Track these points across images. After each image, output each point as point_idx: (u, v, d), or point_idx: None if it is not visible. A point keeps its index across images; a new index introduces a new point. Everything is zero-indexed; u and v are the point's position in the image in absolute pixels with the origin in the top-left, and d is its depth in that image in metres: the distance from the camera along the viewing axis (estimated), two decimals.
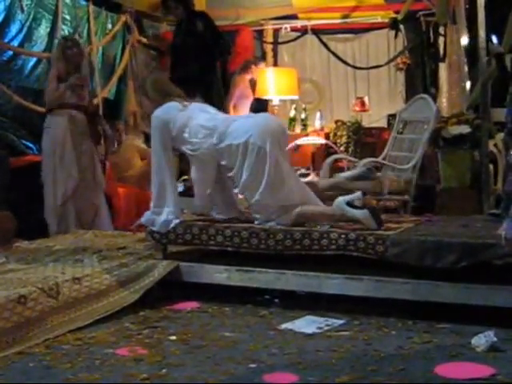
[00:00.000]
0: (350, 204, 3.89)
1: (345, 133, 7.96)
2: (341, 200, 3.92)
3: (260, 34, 9.41)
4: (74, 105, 5.84)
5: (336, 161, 5.96)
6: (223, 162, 4.11)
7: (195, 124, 4.12)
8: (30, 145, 6.37)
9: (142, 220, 4.23)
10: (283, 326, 3.46)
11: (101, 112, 7.73)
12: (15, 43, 6.97)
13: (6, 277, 3.69)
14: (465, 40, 7.09)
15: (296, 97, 8.42)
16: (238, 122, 4.21)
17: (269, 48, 9.47)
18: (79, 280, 3.67)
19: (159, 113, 4.19)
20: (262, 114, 4.70)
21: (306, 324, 3.48)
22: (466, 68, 7.27)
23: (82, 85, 5.94)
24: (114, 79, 8.49)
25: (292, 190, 4.02)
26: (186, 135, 4.12)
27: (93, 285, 3.70)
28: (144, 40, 8.93)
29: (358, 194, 3.92)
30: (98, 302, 3.67)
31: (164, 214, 4.13)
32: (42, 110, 6.09)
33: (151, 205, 4.20)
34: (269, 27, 9.31)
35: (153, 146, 4.22)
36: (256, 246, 3.94)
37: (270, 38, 9.43)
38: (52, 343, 3.17)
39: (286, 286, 3.87)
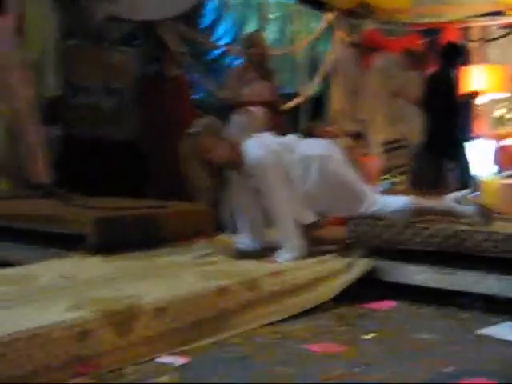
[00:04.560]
0: (458, 201, 4.01)
1: None
2: (450, 196, 4.04)
3: (466, 31, 9.13)
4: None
5: None
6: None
7: None
8: None
9: None
10: (481, 331, 3.32)
11: (304, 110, 7.84)
12: (223, 42, 7.21)
13: (208, 269, 3.80)
14: None
15: (508, 94, 8.10)
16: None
17: (474, 46, 9.16)
18: (278, 274, 3.72)
19: None
20: None
21: (507, 330, 3.32)
22: None
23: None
24: (319, 77, 8.55)
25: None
26: None
27: (290, 280, 3.72)
28: (349, 38, 8.92)
29: (467, 190, 4.01)
30: (295, 297, 3.68)
31: None
32: None
33: None
34: (474, 24, 9.00)
35: None
36: (457, 246, 3.82)
37: (476, 35, 9.12)
38: (249, 335, 3.23)
39: (487, 290, 3.71)
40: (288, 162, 4.15)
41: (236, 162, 4.15)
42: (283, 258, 4.02)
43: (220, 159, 4.14)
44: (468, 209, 4.03)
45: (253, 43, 6.16)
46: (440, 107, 7.18)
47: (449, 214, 4.13)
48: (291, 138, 4.40)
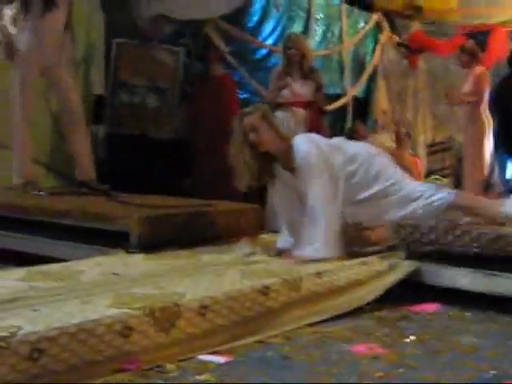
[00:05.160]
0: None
1: None
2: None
3: None
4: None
5: None
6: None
7: None
8: None
9: None
10: None
11: (350, 110, 7.81)
12: (269, 42, 7.21)
13: (251, 267, 3.81)
14: None
15: None
16: None
17: None
18: (321, 274, 3.71)
19: None
20: None
21: None
22: None
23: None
24: (364, 77, 8.53)
25: None
26: None
27: (333, 280, 3.71)
28: (395, 39, 8.88)
29: None
30: (338, 297, 3.67)
31: None
32: None
33: None
34: None
35: None
36: (503, 249, 3.78)
37: None
38: (291, 334, 3.23)
39: None
40: (335, 163, 4.15)
41: (284, 153, 4.15)
42: (312, 255, 3.97)
43: (266, 145, 4.13)
44: None
45: (292, 44, 6.19)
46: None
47: (492, 217, 4.10)
48: (339, 140, 4.40)
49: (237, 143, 4.15)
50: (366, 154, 4.25)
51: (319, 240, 4.01)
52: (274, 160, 4.21)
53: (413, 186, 4.27)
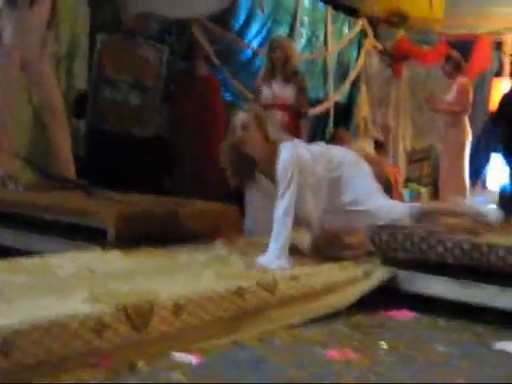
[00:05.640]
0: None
1: None
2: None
3: (499, 45, 9.08)
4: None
5: None
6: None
7: None
8: None
9: None
10: (498, 345, 3.31)
11: (332, 115, 7.83)
12: (255, 44, 7.21)
13: (227, 269, 3.80)
14: None
15: None
16: None
17: (507, 60, 9.10)
18: (297, 278, 3.71)
19: None
20: None
21: None
22: None
23: None
24: (347, 83, 8.55)
25: None
26: None
27: (310, 284, 3.73)
28: (379, 46, 8.91)
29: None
30: (314, 301, 3.68)
31: None
32: None
33: None
34: (508, 37, 8.95)
35: None
36: (478, 259, 3.80)
37: (509, 48, 9.06)
38: (265, 337, 3.23)
39: (506, 305, 3.69)
40: (317, 171, 4.16)
41: (267, 158, 4.12)
42: (269, 265, 3.88)
43: (252, 145, 4.11)
44: (486, 210, 4.16)
45: (276, 46, 6.17)
46: None
47: (464, 214, 4.23)
48: (322, 147, 4.41)
49: (227, 142, 4.17)
50: (348, 162, 4.28)
51: (274, 252, 3.96)
52: (255, 165, 4.21)
53: (377, 201, 4.30)
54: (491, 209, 4.23)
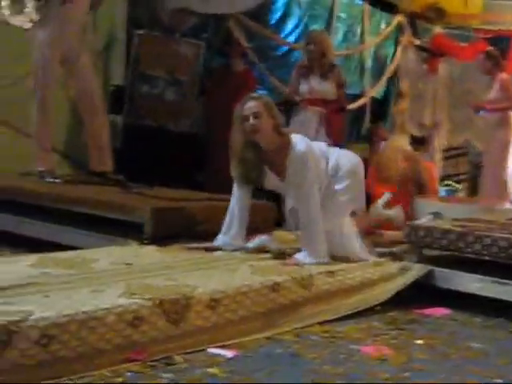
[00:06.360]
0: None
1: None
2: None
3: None
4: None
5: None
6: None
7: None
8: None
9: None
10: None
11: (368, 111, 7.79)
12: (291, 39, 7.20)
13: (263, 264, 3.82)
14: None
15: None
16: None
17: None
18: (333, 273, 3.72)
19: None
20: None
21: None
22: None
23: None
24: (384, 79, 8.50)
25: None
26: None
27: (346, 280, 3.73)
28: (416, 42, 8.84)
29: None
30: (350, 297, 3.69)
31: None
32: None
33: None
34: None
35: None
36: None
37: None
38: (301, 332, 3.23)
39: None
40: (322, 169, 4.17)
41: (278, 147, 4.08)
42: (306, 260, 3.91)
43: (263, 133, 4.04)
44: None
45: (313, 41, 6.14)
46: None
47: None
48: (323, 146, 4.39)
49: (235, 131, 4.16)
50: (345, 164, 4.28)
51: (310, 247, 3.98)
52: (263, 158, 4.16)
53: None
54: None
